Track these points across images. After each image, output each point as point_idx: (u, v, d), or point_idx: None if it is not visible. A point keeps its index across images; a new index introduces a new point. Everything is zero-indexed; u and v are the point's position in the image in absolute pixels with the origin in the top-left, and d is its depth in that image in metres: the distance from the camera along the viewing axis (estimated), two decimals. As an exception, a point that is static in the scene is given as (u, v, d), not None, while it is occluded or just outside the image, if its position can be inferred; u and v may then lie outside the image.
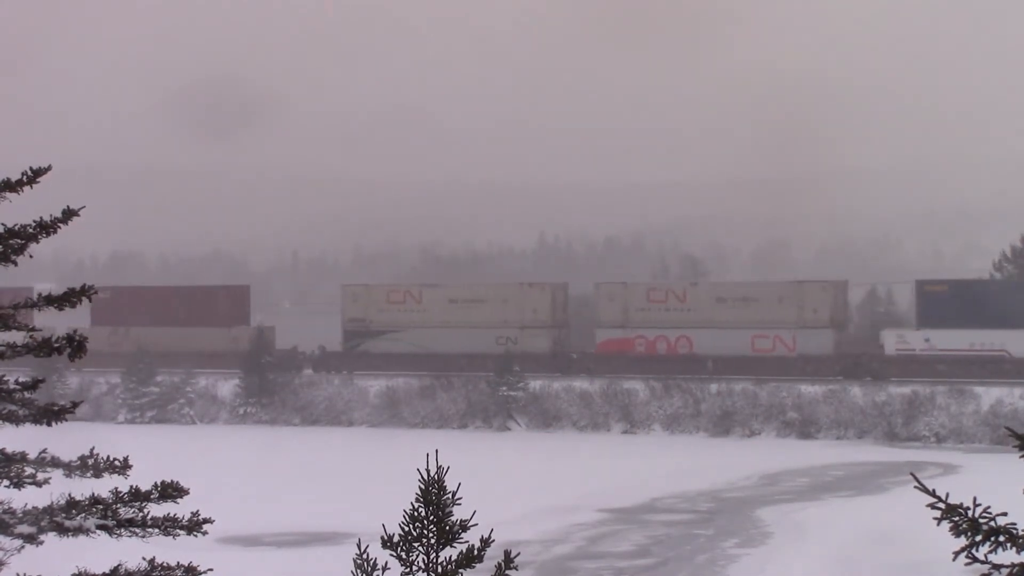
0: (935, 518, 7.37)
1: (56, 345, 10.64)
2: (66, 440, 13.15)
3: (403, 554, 6.29)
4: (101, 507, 11.46)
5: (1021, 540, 7.26)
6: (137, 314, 76.91)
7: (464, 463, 10.75)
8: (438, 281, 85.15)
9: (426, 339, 71.30)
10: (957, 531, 7.26)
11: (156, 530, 11.50)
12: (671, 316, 68.27)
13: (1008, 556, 7.42)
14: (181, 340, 74.91)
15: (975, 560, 7.29)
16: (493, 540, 6.41)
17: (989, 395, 58.56)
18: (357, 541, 6.54)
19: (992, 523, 7.22)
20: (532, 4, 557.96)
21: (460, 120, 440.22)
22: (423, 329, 71.58)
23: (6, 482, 12.23)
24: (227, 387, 70.55)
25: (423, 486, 6.32)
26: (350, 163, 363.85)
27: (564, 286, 75.15)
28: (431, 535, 6.31)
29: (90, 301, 10.82)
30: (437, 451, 6.43)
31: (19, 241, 10.89)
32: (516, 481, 45.94)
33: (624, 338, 68.82)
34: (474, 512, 6.50)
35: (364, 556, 6.40)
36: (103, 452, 12.43)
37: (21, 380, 11.64)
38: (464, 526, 6.34)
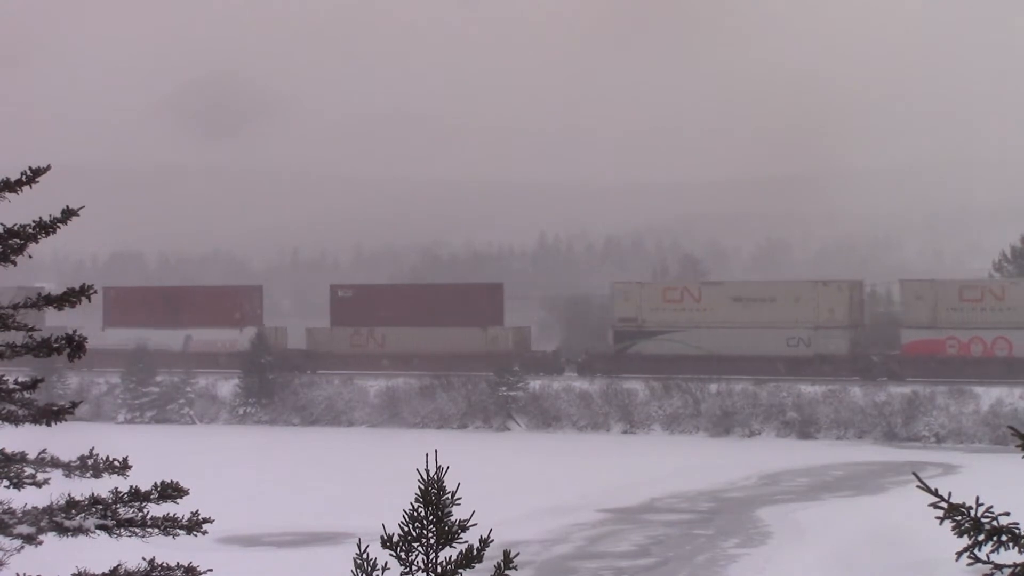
0: (937, 518, 7.35)
1: (56, 345, 10.62)
2: (66, 440, 13.14)
3: (403, 554, 6.27)
4: (101, 507, 11.45)
5: (1023, 540, 7.25)
6: (382, 313, 74.00)
7: (464, 463, 10.73)
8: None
9: (706, 340, 67.36)
10: (959, 531, 7.24)
11: (156, 530, 11.49)
12: (985, 316, 63.41)
13: (1010, 556, 7.41)
14: (433, 340, 71.68)
15: (977, 560, 7.27)
16: (492, 540, 6.40)
17: (989, 395, 58.57)
18: (357, 541, 6.53)
19: (995, 523, 7.20)
20: (532, 4, 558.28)
21: (460, 120, 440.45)
22: (703, 329, 67.57)
23: (6, 482, 12.22)
24: (227, 387, 70.61)
25: (423, 486, 6.31)
26: (350, 163, 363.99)
27: (859, 284, 71.27)
28: (431, 535, 6.30)
29: (89, 301, 10.80)
30: (436, 451, 6.42)
31: (19, 241, 10.88)
32: (516, 481, 45.94)
33: (934, 339, 64.43)
34: (473, 512, 6.48)
35: (364, 556, 6.39)
36: (103, 452, 12.42)
37: (21, 380, 11.63)
38: (463, 526, 6.33)
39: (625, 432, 62.08)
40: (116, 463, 12.21)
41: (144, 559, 11.54)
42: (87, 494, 11.59)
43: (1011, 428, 8.26)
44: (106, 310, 78.84)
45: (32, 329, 10.97)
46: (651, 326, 68.76)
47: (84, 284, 10.75)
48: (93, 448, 12.43)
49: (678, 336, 68.08)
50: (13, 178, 10.94)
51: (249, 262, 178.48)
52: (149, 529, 11.47)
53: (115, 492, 11.50)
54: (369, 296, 77.32)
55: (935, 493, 7.28)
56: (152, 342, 74.48)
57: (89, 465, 12.27)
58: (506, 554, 6.40)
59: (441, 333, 71.73)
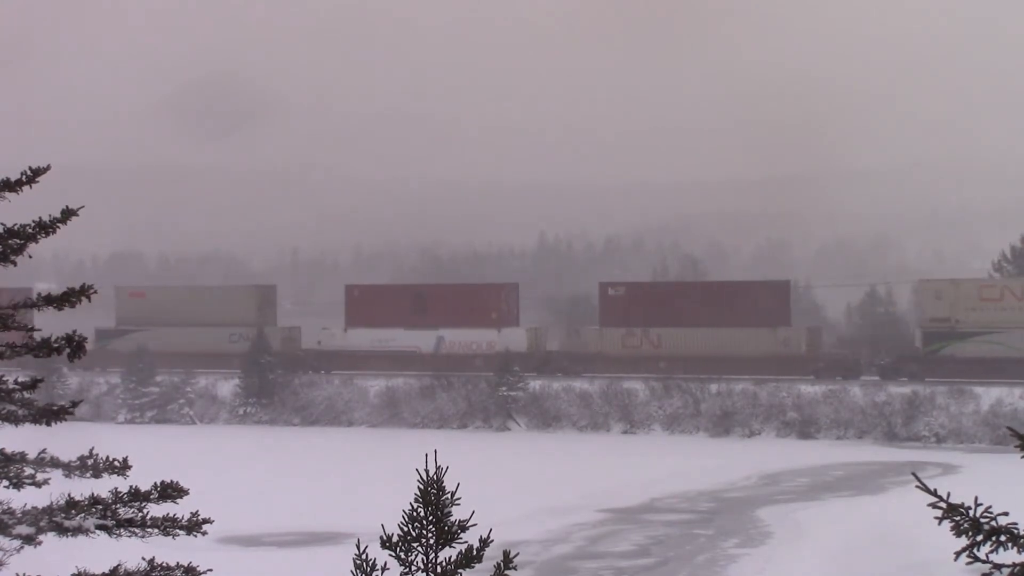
0: (936, 518, 7.36)
1: (56, 345, 10.63)
2: (66, 440, 13.14)
3: (402, 554, 6.28)
4: (100, 507, 11.45)
5: (1022, 540, 7.25)
6: (658, 313, 69.60)
7: (464, 463, 10.74)
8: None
9: None
10: (958, 531, 7.25)
11: (156, 530, 11.50)
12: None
13: (1009, 556, 7.41)
14: (716, 342, 67.37)
15: (976, 560, 7.28)
16: (492, 540, 6.40)
17: (989, 395, 58.60)
18: (356, 541, 6.53)
19: (993, 523, 7.21)
20: (532, 4, 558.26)
21: (460, 120, 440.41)
22: None
23: (5, 482, 12.22)
24: (227, 387, 70.64)
25: (422, 486, 6.31)
26: (350, 163, 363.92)
27: None
28: (430, 535, 6.30)
29: (89, 300, 10.81)
30: (436, 451, 6.42)
31: (18, 241, 10.88)
32: (516, 481, 45.94)
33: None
34: (473, 512, 6.49)
35: (363, 556, 6.39)
36: (103, 452, 12.43)
37: (20, 380, 11.64)
38: (463, 526, 6.33)
39: (625, 432, 62.08)
40: (116, 463, 12.22)
41: (144, 559, 11.54)
42: (87, 494, 11.59)
43: (1010, 429, 8.27)
44: (348, 310, 75.74)
45: (32, 329, 10.97)
46: (967, 327, 64.13)
47: (84, 284, 10.76)
48: (93, 448, 12.44)
49: (997, 338, 63.52)
50: (13, 178, 10.94)
51: (249, 262, 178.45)
52: (149, 529, 11.48)
53: (115, 492, 11.50)
54: (643, 294, 73.66)
55: (934, 493, 7.28)
56: (399, 343, 72.54)
57: (89, 465, 12.28)
58: (506, 554, 6.41)
59: (726, 335, 67.54)
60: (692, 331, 68.20)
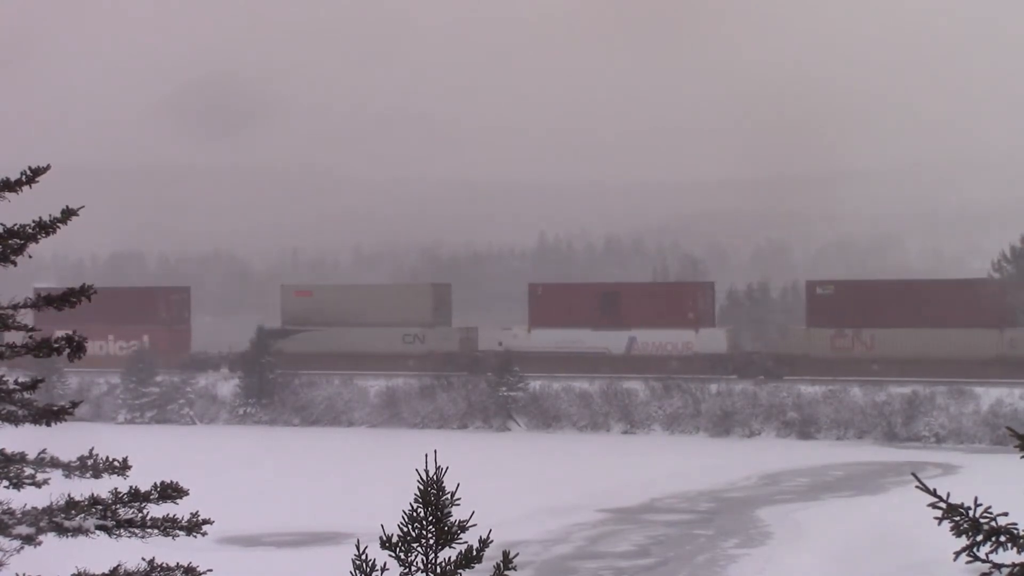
0: (936, 518, 7.36)
1: (56, 345, 10.63)
2: (65, 440, 13.14)
3: (402, 555, 6.28)
4: (100, 507, 11.46)
5: (1022, 540, 7.26)
6: (866, 313, 66.08)
7: (464, 463, 10.73)
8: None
9: None
10: (958, 531, 7.25)
11: (155, 531, 11.50)
12: None
13: (1009, 556, 7.42)
14: (932, 343, 63.69)
15: (976, 560, 7.28)
16: (492, 540, 6.40)
17: (989, 395, 58.61)
18: (356, 542, 6.53)
19: (993, 523, 7.21)
20: (532, 4, 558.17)
21: (460, 120, 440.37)
22: None
23: (5, 482, 12.22)
24: (227, 387, 70.63)
25: (422, 486, 6.31)
26: (350, 163, 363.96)
27: None
28: (430, 536, 6.30)
29: (89, 300, 10.82)
30: (436, 451, 6.42)
31: (18, 241, 10.89)
32: (516, 481, 45.93)
33: None
34: (472, 512, 6.49)
35: (363, 557, 6.39)
36: (102, 452, 12.43)
37: (20, 380, 11.64)
38: (463, 526, 6.34)
39: (625, 432, 62.09)
40: (116, 463, 12.22)
41: (144, 559, 11.54)
42: (87, 494, 11.59)
43: (1009, 429, 8.27)
44: (532, 309, 72.83)
45: (32, 329, 10.98)
46: None
47: (84, 284, 10.77)
48: (93, 448, 12.44)
49: None
50: (13, 178, 10.94)
51: (249, 262, 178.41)
52: (149, 530, 11.48)
53: (115, 492, 11.51)
54: (855, 293, 69.37)
55: (934, 493, 7.29)
56: (586, 344, 69.97)
57: (89, 465, 12.28)
58: (505, 554, 6.41)
59: (947, 336, 63.63)
60: (909, 332, 64.61)
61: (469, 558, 6.33)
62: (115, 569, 11.48)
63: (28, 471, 12.29)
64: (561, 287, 79.16)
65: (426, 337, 72.76)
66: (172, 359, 75.22)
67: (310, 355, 73.06)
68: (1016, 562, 7.41)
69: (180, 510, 11.54)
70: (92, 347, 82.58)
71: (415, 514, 6.30)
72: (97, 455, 12.33)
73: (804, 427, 59.80)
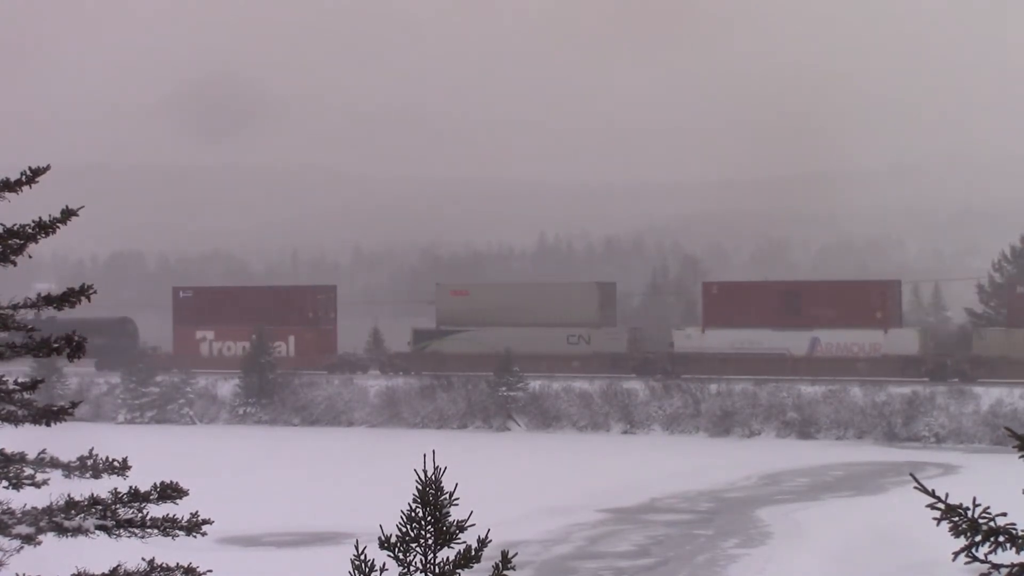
0: (935, 518, 7.37)
1: (56, 345, 10.63)
2: (65, 440, 13.15)
3: (401, 555, 6.28)
4: (100, 508, 11.46)
5: (1021, 540, 7.26)
6: None
7: (464, 463, 10.74)
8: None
9: None
10: (957, 531, 7.26)
11: (155, 531, 11.50)
12: None
13: (1008, 556, 7.42)
14: None
15: (975, 560, 7.29)
16: (490, 540, 6.40)
17: (989, 395, 58.59)
18: (355, 542, 6.53)
19: (991, 523, 7.22)
20: (532, 4, 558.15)
21: (460, 119, 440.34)
22: None
23: (5, 483, 12.22)
24: (227, 387, 70.60)
25: (420, 487, 6.31)
26: (350, 162, 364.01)
27: None
28: (429, 536, 6.30)
29: (89, 300, 10.82)
30: (434, 451, 6.42)
31: (18, 241, 10.89)
32: (516, 481, 45.94)
33: None
34: (471, 512, 6.49)
35: (361, 557, 6.40)
36: (102, 452, 12.43)
37: (20, 380, 11.64)
38: (461, 526, 6.34)
39: (625, 432, 62.08)
40: (116, 463, 12.22)
41: (144, 559, 11.54)
42: (87, 494, 11.59)
43: (1008, 429, 8.27)
44: (705, 308, 70.19)
45: (32, 329, 10.97)
46: None
47: (84, 284, 10.76)
48: (93, 448, 12.44)
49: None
50: (13, 178, 10.95)
51: (249, 262, 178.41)
52: (149, 530, 11.48)
53: (115, 492, 11.51)
54: None
55: (932, 494, 7.29)
56: (766, 345, 66.95)
57: (89, 465, 12.28)
58: (504, 554, 6.41)
59: None
60: None
61: (468, 558, 6.33)
62: (115, 569, 11.49)
63: (28, 471, 12.29)
64: (738, 285, 76.25)
65: (591, 338, 69.82)
66: (318, 361, 73.56)
67: (467, 356, 70.23)
68: (1015, 562, 7.41)
69: (180, 510, 11.55)
70: (235, 348, 73.22)
71: (414, 514, 6.30)
72: (97, 455, 12.33)
73: (804, 427, 59.79)
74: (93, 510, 11.45)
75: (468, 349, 71.05)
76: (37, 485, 12.27)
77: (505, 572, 6.38)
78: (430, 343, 72.49)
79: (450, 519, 6.33)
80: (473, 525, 6.43)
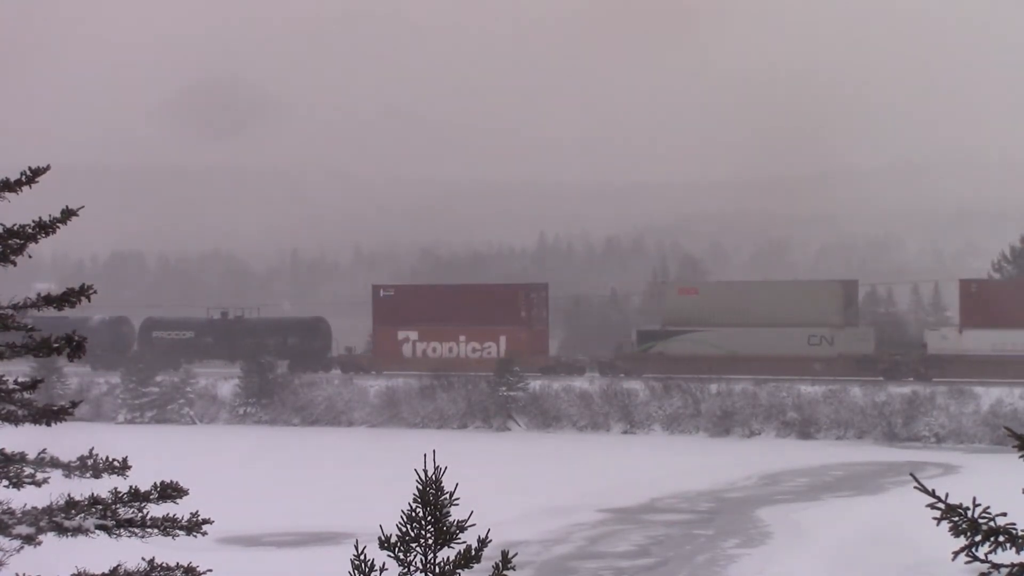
0: (935, 518, 7.37)
1: (55, 345, 10.62)
2: (65, 440, 13.15)
3: (401, 555, 6.28)
4: (100, 507, 11.46)
5: (1020, 540, 7.26)
6: None
7: (464, 463, 10.74)
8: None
9: None
10: (956, 531, 7.26)
11: (155, 530, 11.50)
12: None
13: (1008, 556, 7.42)
14: None
15: (975, 560, 7.29)
16: (490, 540, 6.40)
17: (989, 395, 58.59)
18: (355, 542, 6.53)
19: (991, 523, 7.22)
20: (532, 4, 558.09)
21: (460, 120, 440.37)
22: None
23: (5, 482, 12.23)
24: (227, 387, 70.56)
25: (420, 486, 6.31)
26: (350, 163, 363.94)
27: None
28: (429, 536, 6.30)
29: (89, 301, 10.82)
30: (435, 451, 6.42)
31: (18, 241, 10.89)
32: (516, 481, 45.94)
33: None
34: (471, 512, 6.49)
35: (361, 557, 6.39)
36: (102, 452, 12.43)
37: (20, 380, 11.64)
38: (461, 526, 6.34)
39: (625, 432, 62.07)
40: (116, 463, 12.22)
41: (144, 559, 11.54)
42: (87, 494, 11.59)
43: (1008, 429, 8.27)
44: (963, 307, 66.40)
45: (31, 329, 10.97)
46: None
47: (84, 284, 10.76)
48: (93, 448, 12.44)
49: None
50: (13, 178, 10.95)
51: (249, 262, 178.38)
52: (149, 529, 11.48)
53: (115, 492, 11.51)
54: None
55: (932, 494, 7.29)
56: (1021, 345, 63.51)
57: (89, 465, 12.28)
58: (504, 554, 6.41)
59: None
60: None
61: (468, 558, 6.33)
62: (115, 569, 11.49)
63: (28, 471, 12.29)
64: (1001, 283, 71.56)
65: (835, 338, 66.18)
66: (531, 363, 69.38)
67: (694, 358, 66.78)
68: (1015, 562, 7.41)
69: (180, 510, 11.55)
70: (441, 349, 70.56)
71: (414, 514, 6.30)
72: (97, 455, 12.33)
73: (804, 427, 59.78)
74: (93, 510, 11.45)
75: (695, 350, 67.49)
76: (37, 485, 12.27)
77: (505, 572, 6.38)
78: (655, 344, 68.89)
79: (450, 519, 6.33)
80: (473, 525, 6.43)
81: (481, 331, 70.64)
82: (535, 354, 71.07)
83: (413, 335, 73.06)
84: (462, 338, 69.36)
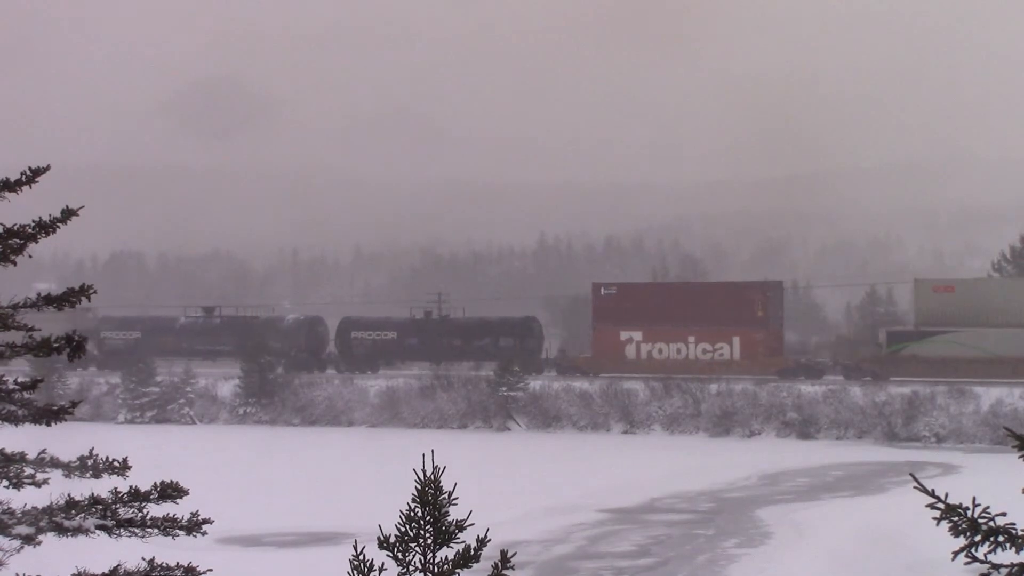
0: (934, 518, 7.38)
1: (55, 345, 10.62)
2: (65, 440, 13.15)
3: (400, 555, 6.28)
4: (100, 507, 11.46)
5: (1020, 540, 7.27)
6: None
7: (464, 463, 10.75)
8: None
9: None
10: (956, 531, 7.26)
11: (155, 530, 11.50)
12: None
13: (1007, 556, 7.43)
14: None
15: (974, 560, 7.30)
16: (489, 540, 6.41)
17: (989, 395, 58.60)
18: (353, 542, 6.54)
19: (991, 523, 7.22)
20: (532, 5, 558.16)
21: (460, 120, 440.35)
22: None
23: (5, 482, 12.23)
24: (227, 387, 70.55)
25: (419, 486, 6.32)
26: (350, 163, 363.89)
27: None
28: (428, 535, 6.30)
29: (89, 300, 10.82)
30: (433, 451, 6.43)
31: (18, 241, 10.88)
32: (516, 481, 45.94)
33: None
34: (470, 512, 6.49)
35: (360, 557, 6.40)
36: (103, 452, 12.43)
37: (20, 380, 11.64)
38: (460, 526, 6.34)
39: (625, 432, 62.07)
40: (116, 463, 12.22)
41: (144, 559, 11.54)
42: (87, 494, 11.59)
43: (1007, 429, 8.28)
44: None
45: (32, 329, 10.97)
46: None
47: (84, 284, 10.76)
48: (93, 448, 12.44)
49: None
50: (13, 178, 10.95)
51: (249, 262, 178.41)
52: (149, 529, 11.48)
53: (115, 492, 11.51)
54: None
55: (932, 494, 7.30)
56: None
57: (89, 465, 12.28)
58: (503, 554, 6.41)
59: None
60: None
61: (467, 558, 6.33)
62: (115, 569, 11.49)
63: (28, 471, 12.29)
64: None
65: None
66: (767, 365, 66.87)
67: (951, 360, 62.95)
68: (1014, 562, 7.42)
69: (180, 510, 11.55)
70: (668, 351, 67.15)
71: (413, 514, 6.30)
72: (97, 455, 12.33)
73: (804, 427, 59.80)
74: (93, 510, 11.45)
75: (951, 352, 63.31)
76: (37, 485, 12.27)
77: (504, 572, 6.38)
78: (907, 345, 64.89)
79: (449, 519, 6.33)
80: (472, 525, 6.43)
81: (713, 332, 66.91)
82: (771, 355, 67.89)
83: (637, 335, 69.16)
84: (691, 339, 66.25)
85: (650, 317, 68.73)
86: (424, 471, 6.34)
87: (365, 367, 71.91)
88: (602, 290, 71.91)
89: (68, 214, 10.97)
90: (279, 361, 70.76)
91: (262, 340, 71.14)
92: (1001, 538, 7.24)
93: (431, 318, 74.99)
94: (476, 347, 70.01)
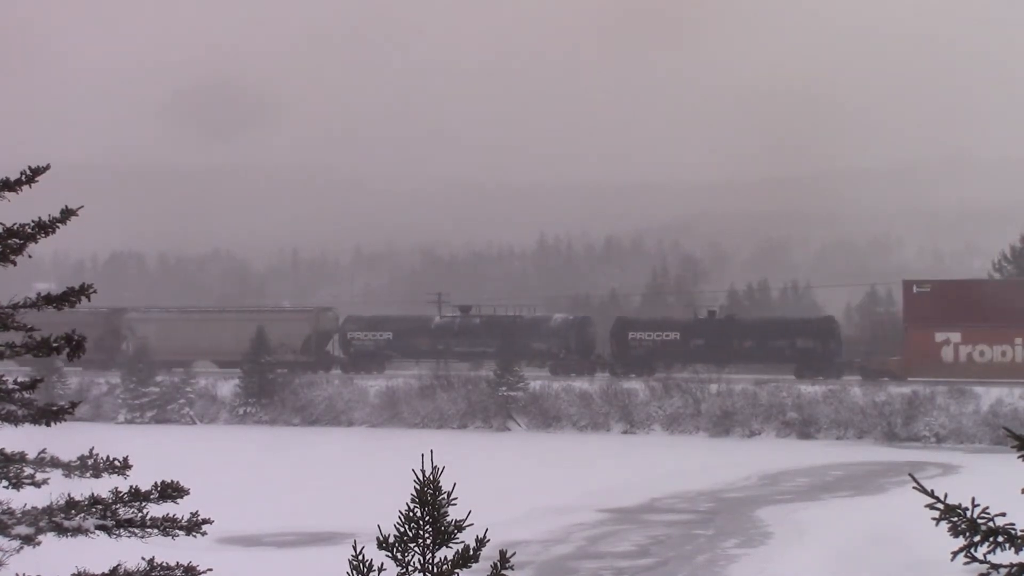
0: (934, 518, 7.38)
1: (55, 345, 10.62)
2: (65, 440, 13.16)
3: (399, 555, 6.28)
4: (100, 507, 11.46)
5: (1019, 540, 7.27)
6: None
7: (464, 463, 10.75)
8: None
9: None
10: (956, 531, 7.27)
11: (155, 530, 11.50)
12: None
13: (1007, 556, 7.43)
14: None
15: (974, 560, 7.30)
16: (488, 540, 6.40)
17: (989, 395, 58.60)
18: (353, 542, 6.54)
19: (990, 523, 7.23)
20: (532, 5, 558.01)
21: (460, 120, 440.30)
22: None
23: (5, 482, 12.23)
24: (227, 387, 70.55)
25: (418, 486, 6.32)
26: (350, 163, 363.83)
27: None
28: (427, 535, 6.30)
29: (89, 300, 10.82)
30: (432, 451, 6.43)
31: (18, 241, 10.89)
32: (516, 481, 45.93)
33: None
34: (469, 512, 6.49)
35: (359, 557, 6.40)
36: (102, 452, 12.44)
37: (20, 380, 11.64)
38: (460, 526, 6.34)
39: (625, 432, 62.08)
40: (116, 463, 12.23)
41: (144, 559, 11.54)
42: (87, 494, 11.60)
43: (1007, 429, 8.28)
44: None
45: (31, 329, 10.97)
46: None
47: (84, 284, 10.77)
48: (93, 448, 12.44)
49: None
50: (13, 178, 10.95)
51: (249, 262, 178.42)
52: (149, 529, 11.48)
53: (115, 492, 11.51)
54: None
55: (931, 494, 7.30)
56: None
57: (89, 465, 12.28)
58: (502, 554, 6.41)
59: None
60: None
61: (466, 558, 6.34)
62: (115, 569, 11.49)
63: (28, 471, 12.29)
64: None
65: None
66: None
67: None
68: (1014, 562, 7.42)
69: (180, 510, 11.55)
70: (991, 353, 62.57)
71: (412, 514, 6.30)
72: (97, 455, 12.34)
73: (804, 427, 59.81)
74: (93, 510, 11.45)
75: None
76: (37, 485, 12.27)
77: (504, 572, 6.38)
78: None
79: (448, 519, 6.33)
80: (471, 525, 6.43)
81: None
82: None
83: (955, 337, 63.96)
84: (1018, 341, 61.93)
85: (970, 317, 64.10)
86: (423, 471, 6.34)
87: (642, 371, 67.63)
88: (914, 288, 66.21)
89: (68, 214, 10.97)
90: (545, 363, 69.00)
91: (526, 341, 69.49)
92: (1000, 538, 7.24)
93: (714, 317, 70.51)
94: (771, 348, 66.37)
